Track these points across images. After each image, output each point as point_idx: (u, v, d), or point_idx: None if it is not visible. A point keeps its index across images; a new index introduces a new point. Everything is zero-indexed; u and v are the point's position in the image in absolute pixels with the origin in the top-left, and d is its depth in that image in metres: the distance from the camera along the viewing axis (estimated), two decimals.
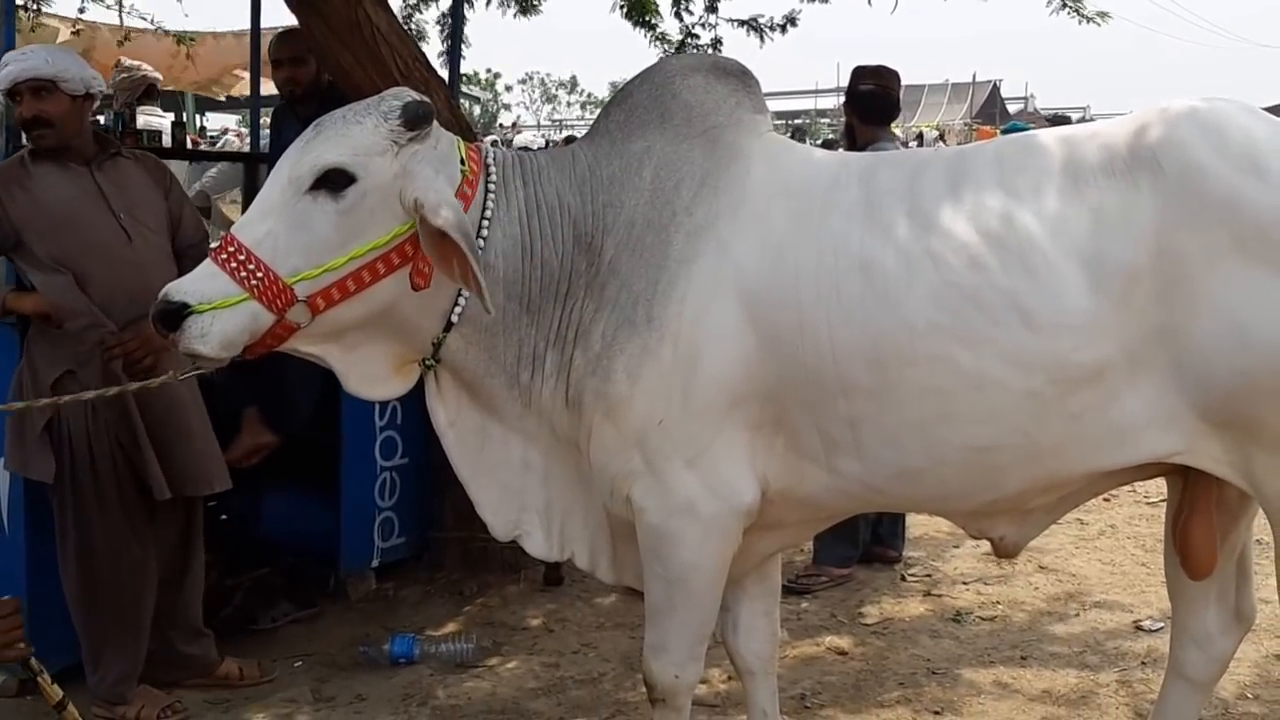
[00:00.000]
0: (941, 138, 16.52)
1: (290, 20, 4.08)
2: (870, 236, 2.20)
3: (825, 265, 2.21)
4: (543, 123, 43.55)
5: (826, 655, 3.68)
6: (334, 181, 2.15)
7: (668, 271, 2.25)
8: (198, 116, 13.84)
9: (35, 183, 3.14)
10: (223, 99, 10.26)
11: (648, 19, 5.47)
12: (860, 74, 4.35)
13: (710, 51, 5.22)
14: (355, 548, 4.17)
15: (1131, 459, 2.17)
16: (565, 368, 2.34)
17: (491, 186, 2.31)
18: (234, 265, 2.13)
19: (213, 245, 2.31)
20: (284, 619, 4.00)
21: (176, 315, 2.12)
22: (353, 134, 2.19)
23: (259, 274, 2.12)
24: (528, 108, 49.62)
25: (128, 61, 6.21)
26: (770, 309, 2.22)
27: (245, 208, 4.97)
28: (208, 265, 2.17)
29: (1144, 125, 2.17)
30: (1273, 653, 3.49)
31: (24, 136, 3.26)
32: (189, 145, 6.46)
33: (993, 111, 32.89)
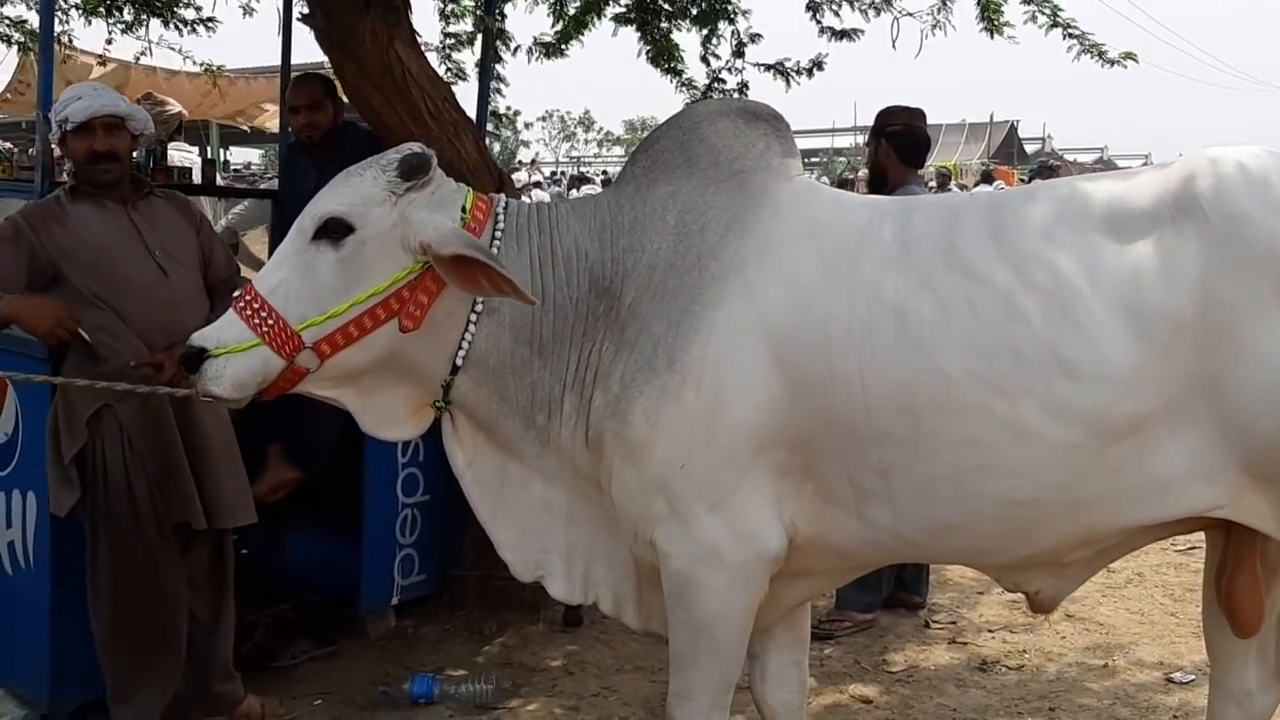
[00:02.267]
0: (948, 180, 16.50)
1: (317, 57, 4.14)
2: (905, 283, 2.18)
3: (857, 311, 2.19)
4: (561, 159, 43.88)
5: (851, 703, 3.62)
6: (334, 231, 2.26)
7: (691, 315, 2.25)
8: (221, 150, 13.99)
9: (73, 220, 3.17)
10: (247, 129, 10.39)
11: (673, 65, 5.50)
12: (897, 113, 4.31)
13: (737, 96, 5.23)
14: (375, 585, 4.15)
15: (1172, 513, 2.14)
16: (585, 409, 2.34)
17: (498, 234, 2.36)
18: (249, 313, 2.27)
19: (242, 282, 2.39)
20: (303, 656, 3.97)
21: (196, 359, 2.27)
22: (352, 185, 2.31)
23: (270, 321, 2.25)
24: (546, 144, 50.03)
25: (158, 96, 6.29)
26: (799, 355, 2.21)
27: (272, 244, 5.06)
28: (229, 313, 2.32)
29: (1189, 173, 2.15)
30: None
31: (66, 172, 3.28)
32: (218, 182, 6.52)
33: (1010, 151, 32.88)
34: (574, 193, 14.15)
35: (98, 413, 3.12)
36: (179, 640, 3.27)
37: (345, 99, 4.22)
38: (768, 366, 2.22)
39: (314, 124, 4.26)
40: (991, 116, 34.42)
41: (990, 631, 4.20)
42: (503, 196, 2.48)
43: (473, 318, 2.34)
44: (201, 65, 6.46)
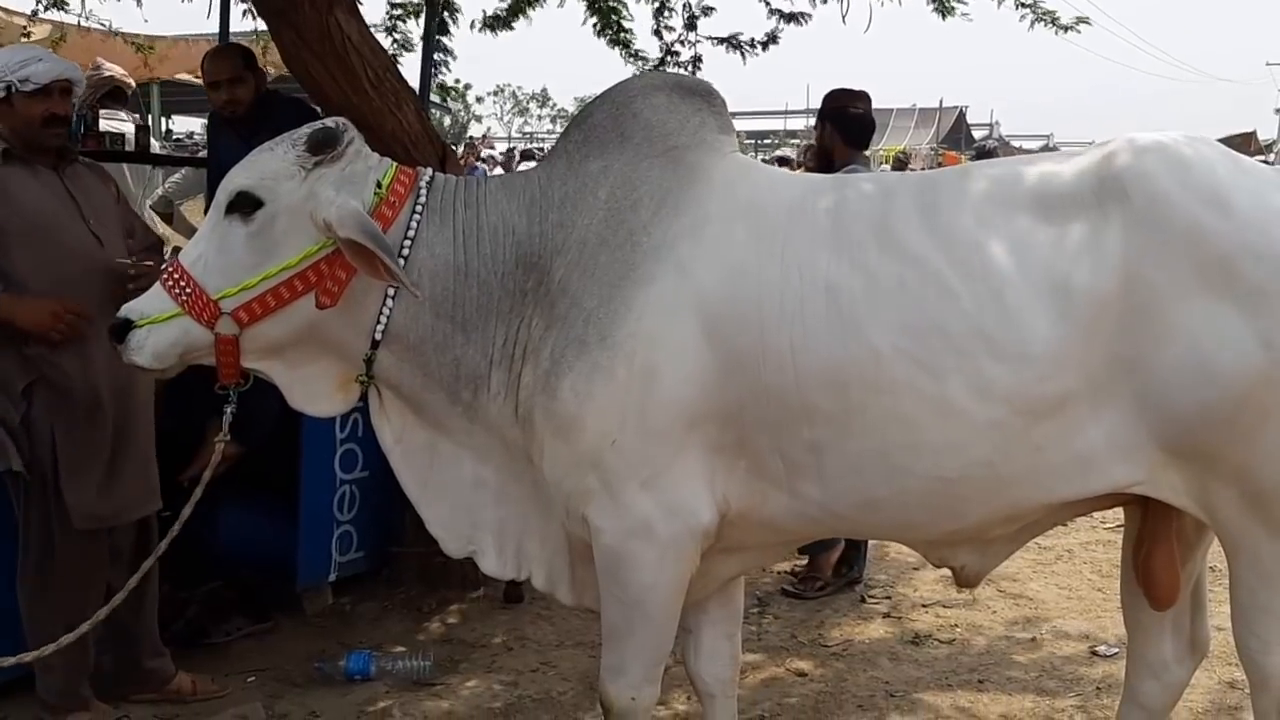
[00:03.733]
0: (905, 163, 16.64)
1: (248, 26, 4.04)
2: (837, 260, 2.20)
3: (790, 288, 2.20)
4: (513, 135, 43.56)
5: (787, 676, 3.67)
6: (244, 205, 2.29)
7: (623, 291, 2.25)
8: (164, 120, 13.67)
9: (9, 187, 3.08)
10: (197, 80, 10.09)
11: (622, 37, 5.46)
12: (846, 96, 4.35)
13: (690, 70, 5.22)
14: (312, 561, 4.11)
15: (1093, 489, 2.18)
16: (513, 385, 2.35)
17: (419, 209, 2.36)
18: (170, 284, 2.32)
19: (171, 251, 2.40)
20: (238, 633, 3.93)
21: (123, 329, 2.33)
22: (262, 160, 2.34)
23: (188, 291, 2.29)
24: (499, 119, 49.64)
25: (97, 61, 6.13)
26: (731, 331, 2.22)
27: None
28: (155, 286, 2.37)
29: (1113, 156, 2.19)
30: (1225, 680, 3.51)
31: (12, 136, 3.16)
32: (154, 149, 6.37)
33: (958, 137, 33.25)
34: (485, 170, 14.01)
35: (32, 384, 3.05)
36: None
37: (269, 68, 4.14)
38: (700, 343, 2.22)
39: (236, 99, 4.15)
40: (941, 102, 34.79)
41: (924, 607, 4.27)
42: (428, 170, 2.46)
43: (390, 292, 2.33)
44: (130, 40, 6.29)
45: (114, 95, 5.89)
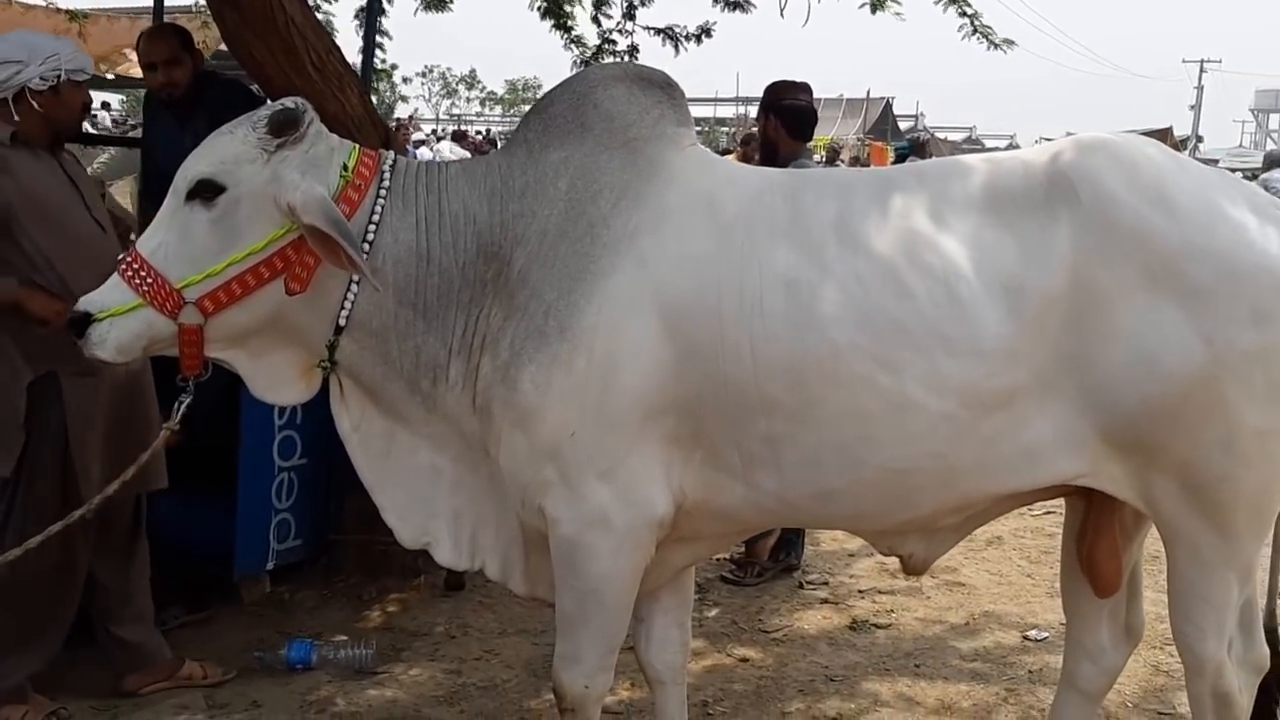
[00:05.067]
0: (837, 154, 16.83)
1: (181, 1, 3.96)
2: (797, 254, 2.23)
3: (749, 281, 2.23)
4: (441, 116, 43.07)
5: (730, 663, 3.72)
6: (206, 191, 2.25)
7: (583, 283, 2.25)
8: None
9: (19, 171, 3.01)
10: (111, 77, 9.84)
11: (564, 20, 5.46)
12: (788, 88, 4.35)
13: (627, 59, 5.24)
14: (250, 550, 4.05)
15: (1040, 481, 2.25)
16: (472, 375, 2.35)
17: (383, 193, 2.34)
18: (130, 274, 2.26)
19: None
20: (175, 623, 3.85)
21: (82, 323, 2.27)
22: (221, 144, 2.30)
23: (150, 280, 2.25)
24: (427, 101, 48.99)
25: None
26: (691, 323, 2.24)
27: (141, 196, 4.84)
28: (113, 277, 2.30)
29: (1061, 156, 2.25)
30: (1152, 663, 3.65)
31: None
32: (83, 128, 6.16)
33: (885, 128, 33.64)
34: (424, 151, 13.84)
35: (41, 378, 3.01)
36: (69, 611, 3.22)
37: (207, 48, 4.05)
38: (659, 335, 2.24)
39: (173, 81, 4.03)
40: (868, 93, 35.14)
41: (861, 593, 4.36)
42: (391, 153, 2.44)
43: (355, 277, 2.31)
44: (57, 9, 6.08)
45: None
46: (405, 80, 44.25)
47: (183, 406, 2.41)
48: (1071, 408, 2.18)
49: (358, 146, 2.40)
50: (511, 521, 2.46)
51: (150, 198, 4.40)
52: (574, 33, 5.49)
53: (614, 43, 5.34)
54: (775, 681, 3.57)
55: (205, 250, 2.26)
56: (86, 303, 2.27)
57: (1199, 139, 40.03)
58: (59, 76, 3.01)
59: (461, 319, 2.34)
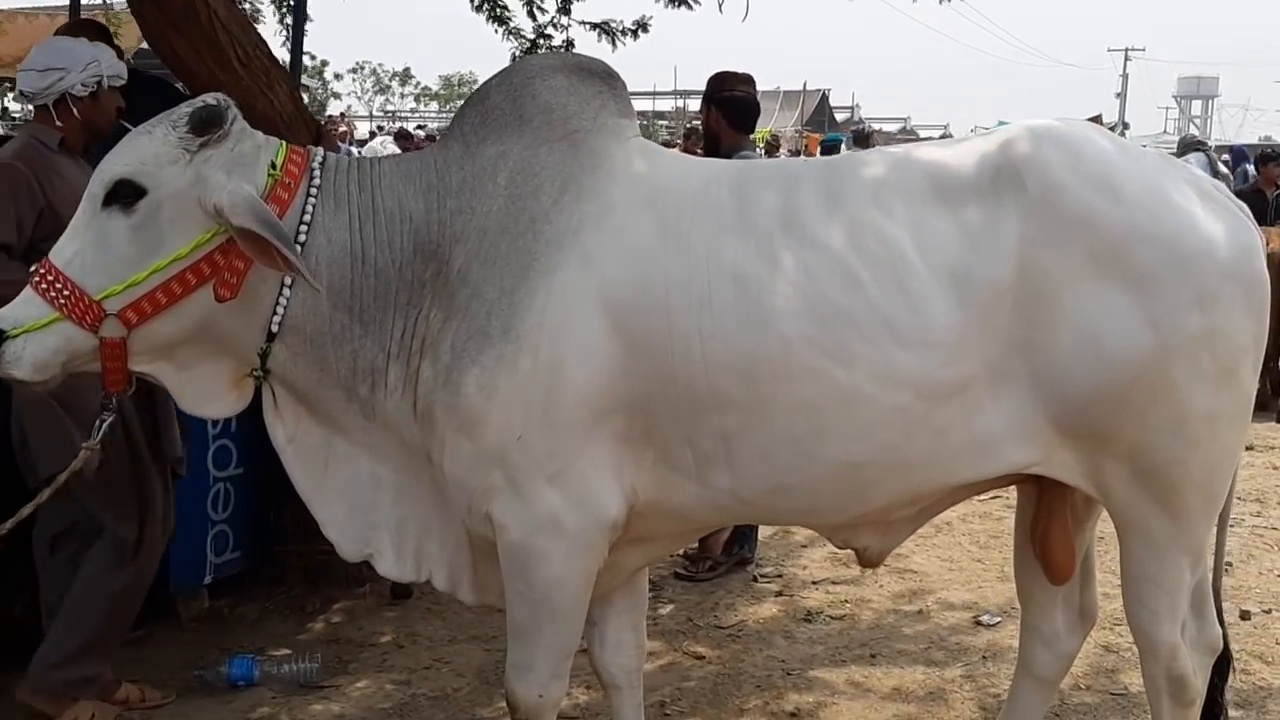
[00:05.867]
0: (777, 146, 16.84)
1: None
2: (744, 247, 2.18)
3: (696, 275, 2.18)
4: (375, 113, 42.52)
5: (684, 660, 3.68)
6: (125, 195, 2.15)
7: (526, 281, 2.19)
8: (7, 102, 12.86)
9: (66, 174, 3.00)
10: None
11: (499, 12, 5.37)
12: (730, 79, 4.32)
13: (569, 50, 5.16)
14: (186, 564, 3.94)
15: (993, 470, 2.23)
16: (412, 380, 2.27)
17: (314, 191, 2.25)
18: (44, 287, 2.14)
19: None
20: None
21: None
22: (141, 144, 2.18)
23: (66, 292, 2.13)
24: (359, 97, 48.33)
25: None
26: (638, 319, 2.18)
27: None
28: (26, 290, 2.17)
29: (1008, 144, 2.23)
30: (1102, 644, 3.67)
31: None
32: None
33: (822, 120, 33.84)
34: (356, 150, 13.59)
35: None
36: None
37: (127, 45, 3.92)
38: (605, 333, 2.18)
39: None
40: (805, 85, 35.32)
41: (814, 584, 4.34)
42: (320, 150, 2.34)
43: (287, 281, 2.22)
44: None
45: None
46: (337, 77, 43.66)
47: (104, 425, 2.30)
48: (1023, 396, 2.16)
49: (285, 143, 2.30)
50: (457, 529, 2.38)
51: None
52: (511, 24, 5.39)
53: (549, 37, 5.26)
54: (732, 678, 3.54)
55: (126, 258, 2.15)
56: None
57: (1125, 126, 40.89)
58: (99, 82, 3.05)
59: (400, 321, 2.26)
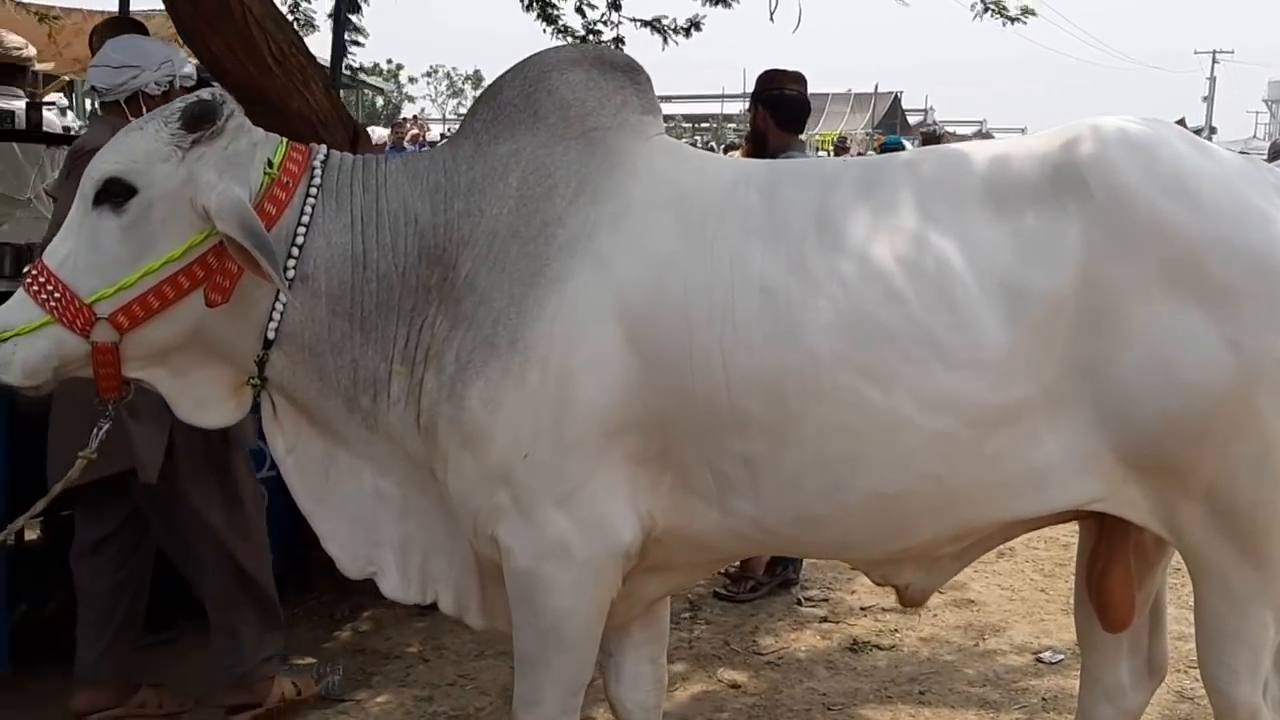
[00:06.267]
0: (845, 148, 16.55)
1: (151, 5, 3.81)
2: (773, 255, 1.99)
3: (720, 285, 1.99)
4: (448, 116, 42.98)
5: (720, 689, 3.48)
6: (115, 194, 2.04)
7: (536, 288, 2.03)
8: (87, 100, 13.15)
9: None
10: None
11: (549, 12, 5.26)
12: (778, 77, 4.19)
13: (594, 43, 5.03)
14: None
15: (1049, 506, 2.00)
16: (415, 391, 2.12)
17: (314, 191, 2.12)
18: (36, 289, 2.05)
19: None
20: (139, 643, 3.65)
21: None
22: (132, 141, 2.07)
23: (57, 295, 2.04)
24: (433, 100, 48.96)
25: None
26: (655, 331, 2.01)
27: None
28: (18, 293, 2.08)
29: (1070, 143, 2.00)
30: (1176, 689, 3.39)
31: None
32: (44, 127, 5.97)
33: (894, 122, 33.38)
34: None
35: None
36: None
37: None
38: (620, 345, 2.01)
39: None
40: (876, 87, 34.89)
41: (863, 610, 4.11)
42: (323, 147, 2.21)
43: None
44: (33, 10, 5.92)
45: (6, 71, 5.52)
46: (411, 80, 44.25)
47: (101, 433, 2.19)
48: (1084, 424, 1.94)
49: (285, 141, 2.17)
50: (465, 548, 2.23)
51: None
52: (560, 22, 5.28)
53: (599, 33, 5.12)
54: (768, 710, 3.33)
55: (116, 260, 2.03)
56: None
57: (1212, 130, 39.63)
58: (172, 81, 3.04)
59: (403, 329, 2.11)
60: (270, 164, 2.09)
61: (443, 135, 21.16)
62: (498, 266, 2.05)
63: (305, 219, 2.09)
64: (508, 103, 2.16)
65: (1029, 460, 1.96)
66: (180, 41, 3.85)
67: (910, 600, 2.25)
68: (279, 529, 4.02)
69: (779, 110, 4.12)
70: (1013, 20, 4.52)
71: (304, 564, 4.10)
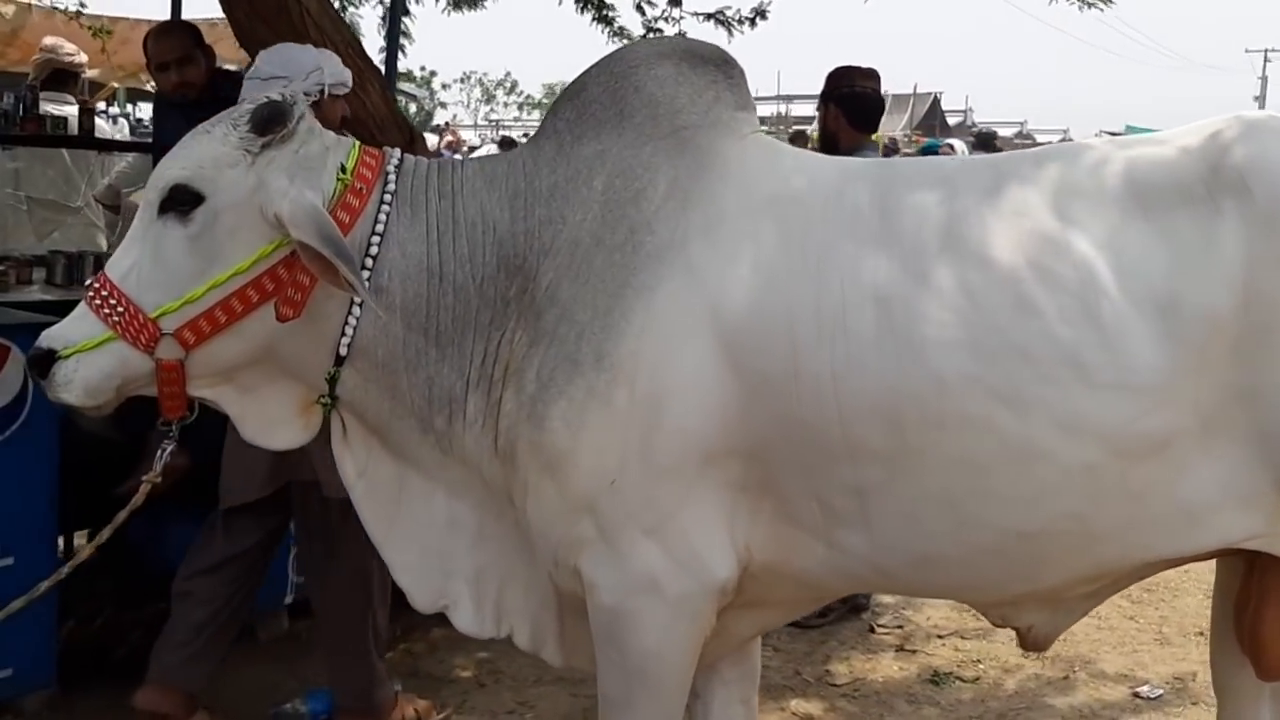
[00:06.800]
0: (895, 150, 16.29)
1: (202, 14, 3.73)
2: (889, 264, 1.81)
3: (830, 298, 1.82)
4: (480, 123, 43.11)
5: None
6: (181, 202, 1.91)
7: (622, 301, 1.87)
8: (130, 106, 13.23)
9: None
10: (150, 88, 9.62)
11: (605, 14, 5.11)
12: (850, 74, 4.00)
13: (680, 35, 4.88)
14: (267, 583, 3.71)
15: (1202, 544, 1.81)
16: (493, 411, 1.97)
17: (388, 198, 1.98)
18: (98, 303, 1.93)
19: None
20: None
21: (45, 361, 1.93)
22: (199, 146, 1.94)
23: (120, 309, 1.91)
24: (466, 107, 49.17)
25: (48, 41, 5.73)
26: (756, 350, 1.84)
27: None
28: (80, 306, 1.96)
29: (1226, 140, 1.81)
30: None
31: None
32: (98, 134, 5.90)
33: (933, 124, 32.97)
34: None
35: None
36: None
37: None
38: (716, 364, 1.84)
39: (187, 81, 3.75)
40: (915, 88, 34.46)
41: (940, 638, 3.91)
42: (396, 151, 2.06)
43: (357, 298, 1.94)
44: (87, 24, 5.89)
45: (58, 78, 5.46)
46: (444, 86, 44.44)
47: (165, 454, 2.07)
48: (1243, 454, 1.74)
49: (357, 144, 2.03)
50: (543, 579, 2.07)
51: None
52: (616, 24, 5.13)
53: (660, 31, 4.97)
54: None
55: (182, 272, 1.90)
56: (49, 338, 1.92)
57: None
58: (321, 90, 2.93)
59: (480, 345, 1.96)
60: (343, 169, 1.95)
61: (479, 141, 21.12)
62: (581, 277, 1.90)
63: (379, 228, 1.95)
64: (592, 101, 2.00)
65: (1180, 494, 1.77)
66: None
67: (1033, 644, 2.06)
68: None
69: (852, 108, 3.94)
70: (1089, 5, 4.30)
71: None
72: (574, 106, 2.02)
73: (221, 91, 3.77)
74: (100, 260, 4.25)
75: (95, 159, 5.70)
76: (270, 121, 1.91)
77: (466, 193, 1.99)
